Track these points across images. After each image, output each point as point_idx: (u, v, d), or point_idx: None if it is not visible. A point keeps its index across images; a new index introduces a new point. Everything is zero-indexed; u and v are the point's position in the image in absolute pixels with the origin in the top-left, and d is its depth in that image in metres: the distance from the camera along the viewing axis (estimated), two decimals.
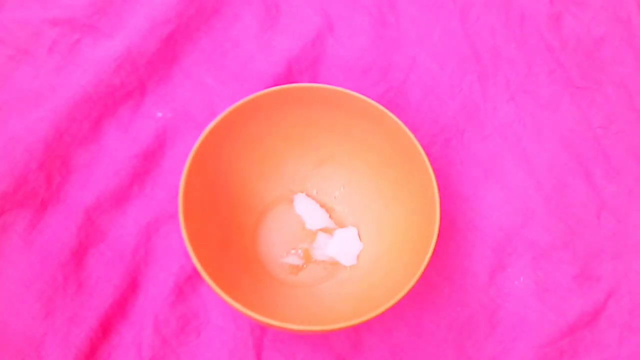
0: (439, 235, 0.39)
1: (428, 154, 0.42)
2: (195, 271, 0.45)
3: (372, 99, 0.43)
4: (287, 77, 0.52)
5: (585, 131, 0.54)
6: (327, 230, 0.48)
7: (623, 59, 0.56)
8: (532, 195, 0.51)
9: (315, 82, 0.52)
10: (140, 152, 0.48)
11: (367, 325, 0.44)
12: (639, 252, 0.49)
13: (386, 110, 0.42)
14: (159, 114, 0.51)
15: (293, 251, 0.47)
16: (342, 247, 0.47)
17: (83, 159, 0.48)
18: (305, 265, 0.47)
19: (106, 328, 0.43)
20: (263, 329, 0.45)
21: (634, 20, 0.57)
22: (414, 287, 0.37)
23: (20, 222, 0.45)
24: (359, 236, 0.47)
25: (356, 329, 0.45)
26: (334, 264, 0.47)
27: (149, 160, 0.49)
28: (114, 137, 0.49)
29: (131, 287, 0.45)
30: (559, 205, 0.50)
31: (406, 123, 0.42)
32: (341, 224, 0.49)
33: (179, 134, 0.50)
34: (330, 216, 0.49)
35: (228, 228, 0.45)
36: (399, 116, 0.42)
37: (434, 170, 0.41)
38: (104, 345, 0.43)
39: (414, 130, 0.42)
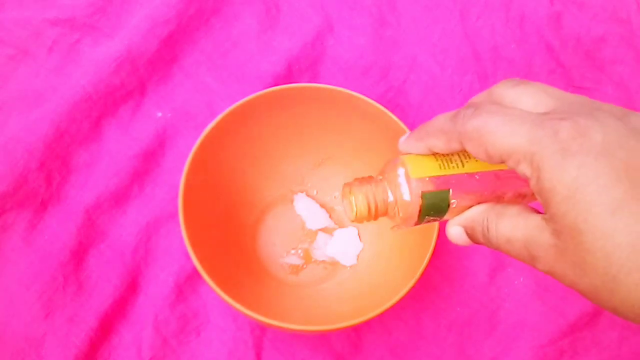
0: (439, 235, 0.39)
1: None
2: (195, 271, 0.45)
3: (372, 99, 0.43)
4: (287, 77, 0.52)
5: None
6: (327, 230, 0.48)
7: (623, 59, 0.56)
8: None
9: (315, 82, 0.52)
10: (140, 152, 0.48)
11: (367, 325, 0.44)
12: None
13: (386, 110, 0.42)
14: (159, 114, 0.51)
15: (293, 251, 0.47)
16: (342, 247, 0.47)
17: (83, 159, 0.48)
18: (305, 265, 0.47)
19: (106, 328, 0.43)
20: (263, 329, 0.45)
21: (634, 20, 0.57)
22: (414, 287, 0.37)
23: (20, 222, 0.45)
24: (359, 236, 0.47)
25: (356, 329, 0.45)
26: (334, 264, 0.47)
27: (149, 160, 0.49)
28: (114, 137, 0.49)
29: (131, 287, 0.45)
30: None
31: (406, 123, 0.42)
32: (341, 224, 0.49)
33: (179, 134, 0.50)
34: (330, 216, 0.49)
35: (228, 228, 0.45)
36: (399, 116, 0.42)
37: None
38: (104, 345, 0.43)
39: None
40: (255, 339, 0.44)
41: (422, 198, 0.27)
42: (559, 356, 0.45)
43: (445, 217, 0.28)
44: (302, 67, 0.53)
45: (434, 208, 0.27)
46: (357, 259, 0.47)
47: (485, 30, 0.56)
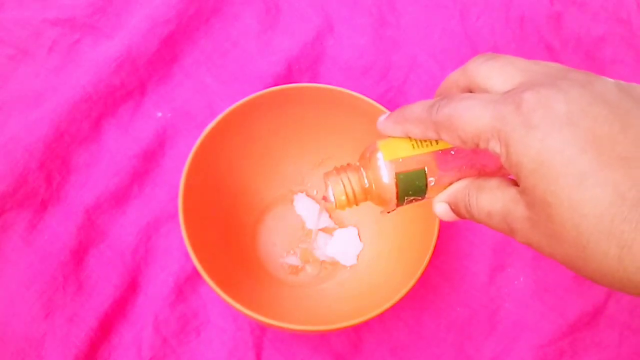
0: (439, 235, 0.39)
1: None
2: (195, 271, 0.45)
3: (372, 99, 0.43)
4: (287, 77, 0.52)
5: None
6: (327, 230, 0.48)
7: (623, 59, 0.56)
8: None
9: (315, 82, 0.52)
10: (140, 152, 0.48)
11: (367, 325, 0.44)
12: None
13: (386, 110, 0.42)
14: (159, 114, 0.51)
15: (293, 251, 0.47)
16: (342, 247, 0.47)
17: (83, 159, 0.48)
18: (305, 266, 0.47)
19: (106, 328, 0.43)
20: (263, 329, 0.45)
21: (634, 20, 0.57)
22: (414, 287, 0.37)
23: (20, 222, 0.45)
24: (359, 236, 0.47)
25: (356, 329, 0.45)
26: (334, 264, 0.47)
27: (149, 160, 0.49)
28: (114, 137, 0.49)
29: (131, 287, 0.45)
30: None
31: None
32: (341, 224, 0.49)
33: (179, 134, 0.50)
34: (330, 216, 0.49)
35: (228, 228, 0.45)
36: None
37: None
38: (104, 345, 0.43)
39: None
40: (255, 339, 0.44)
41: (396, 179, 0.27)
42: (559, 356, 0.45)
43: (428, 196, 0.28)
44: (302, 67, 0.53)
45: (411, 188, 0.27)
46: (357, 259, 0.47)
47: (485, 30, 0.56)
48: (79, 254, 0.45)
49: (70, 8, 0.52)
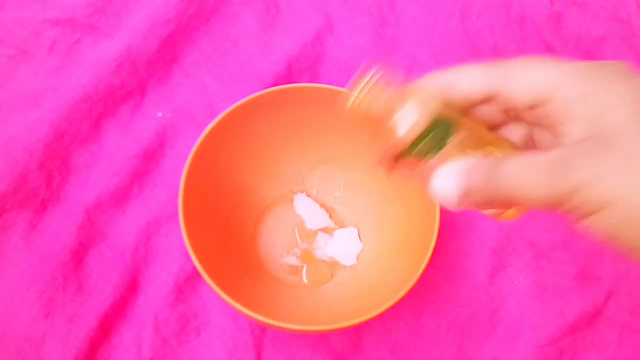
0: (439, 235, 0.39)
1: None
2: (195, 271, 0.45)
3: None
4: (287, 77, 0.52)
5: None
6: (327, 230, 0.48)
7: (623, 59, 0.56)
8: None
9: (315, 82, 0.52)
10: (140, 152, 0.48)
11: (367, 325, 0.44)
12: None
13: None
14: (159, 114, 0.51)
15: (293, 251, 0.47)
16: (342, 247, 0.47)
17: (83, 159, 0.48)
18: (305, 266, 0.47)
19: (106, 328, 0.43)
20: (263, 329, 0.45)
21: (634, 20, 0.57)
22: (414, 287, 0.37)
23: (20, 222, 0.45)
24: (359, 236, 0.47)
25: (356, 329, 0.45)
26: (334, 264, 0.47)
27: (149, 160, 0.49)
28: (114, 137, 0.49)
29: (131, 287, 0.45)
30: None
31: None
32: (341, 224, 0.49)
33: (179, 134, 0.50)
34: (330, 216, 0.49)
35: (228, 228, 0.45)
36: None
37: None
38: (104, 345, 0.43)
39: None
40: (255, 339, 0.44)
41: (430, 119, 0.26)
42: (559, 356, 0.45)
43: (436, 159, 0.27)
44: (302, 67, 0.53)
45: (434, 134, 0.26)
46: (357, 259, 0.47)
47: (485, 30, 0.56)
48: (79, 254, 0.45)
49: (70, 8, 0.52)
